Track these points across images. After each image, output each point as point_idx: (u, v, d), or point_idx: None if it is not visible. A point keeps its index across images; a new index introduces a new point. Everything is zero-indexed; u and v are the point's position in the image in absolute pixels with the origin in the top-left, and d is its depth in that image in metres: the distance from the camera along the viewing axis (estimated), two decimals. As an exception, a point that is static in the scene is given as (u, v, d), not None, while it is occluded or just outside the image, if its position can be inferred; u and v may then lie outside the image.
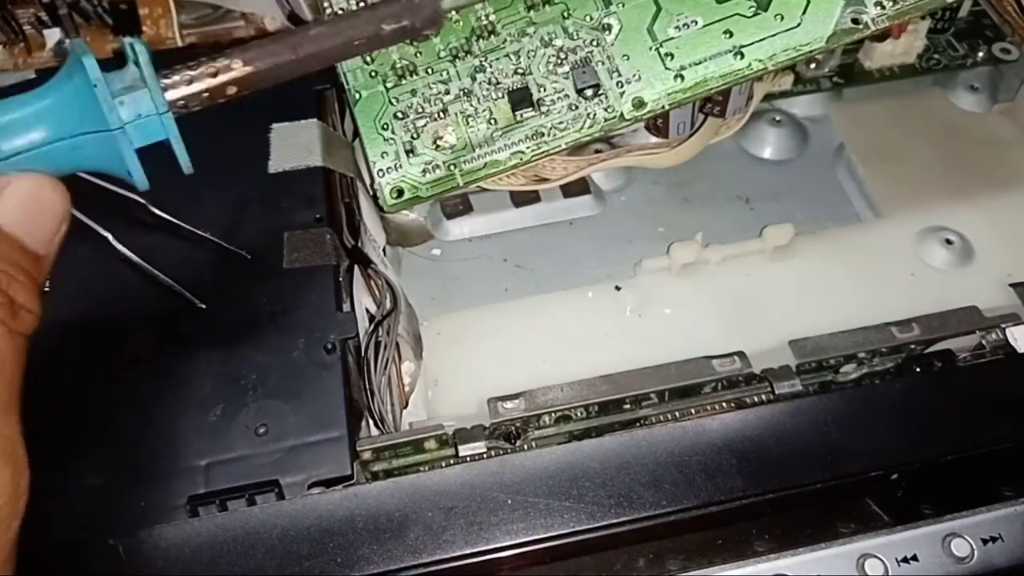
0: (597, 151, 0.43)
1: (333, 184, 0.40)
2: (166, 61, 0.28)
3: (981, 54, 0.48)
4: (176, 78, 0.27)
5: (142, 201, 0.36)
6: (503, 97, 0.37)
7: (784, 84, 0.47)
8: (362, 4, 0.37)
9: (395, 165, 0.37)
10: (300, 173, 0.39)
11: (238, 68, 0.28)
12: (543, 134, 0.37)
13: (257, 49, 0.28)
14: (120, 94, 0.26)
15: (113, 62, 0.27)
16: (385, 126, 0.38)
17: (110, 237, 0.35)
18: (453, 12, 0.38)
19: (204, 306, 0.35)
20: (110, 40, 0.48)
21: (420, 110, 0.37)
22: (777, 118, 0.46)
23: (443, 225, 0.42)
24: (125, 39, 0.27)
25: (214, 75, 0.28)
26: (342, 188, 0.40)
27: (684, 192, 0.44)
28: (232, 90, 0.28)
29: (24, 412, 0.32)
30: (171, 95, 0.27)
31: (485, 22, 0.38)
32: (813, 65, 0.47)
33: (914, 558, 0.29)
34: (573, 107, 0.37)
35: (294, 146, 0.39)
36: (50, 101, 0.26)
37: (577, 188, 0.43)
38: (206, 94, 0.28)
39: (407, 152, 0.37)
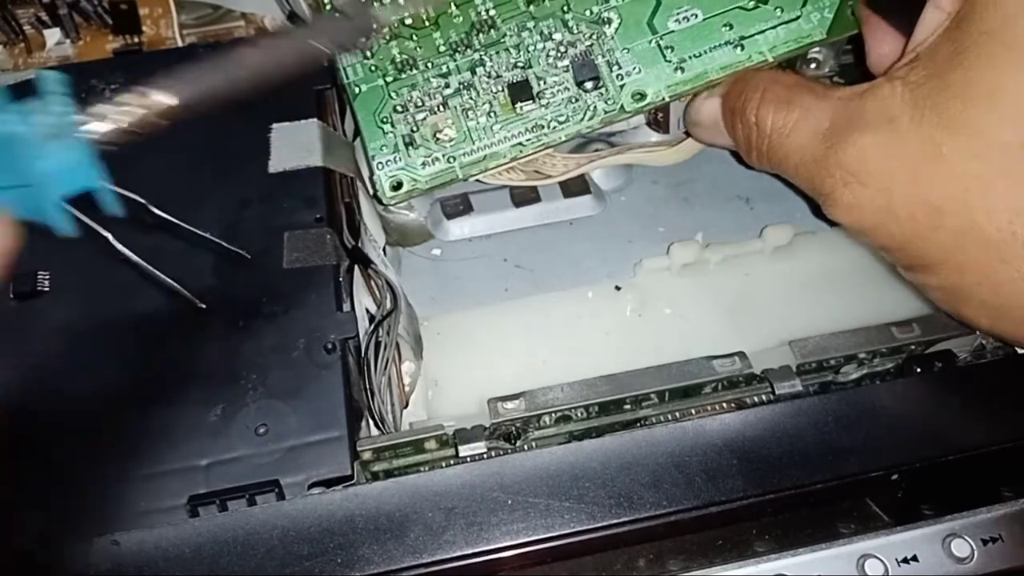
0: (597, 149, 0.43)
1: (333, 184, 0.40)
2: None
3: (981, 54, 0.48)
4: (97, 111, 0.25)
5: (142, 201, 0.36)
6: (503, 90, 0.37)
7: (784, 84, 0.47)
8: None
9: (394, 158, 0.37)
10: (300, 173, 0.39)
11: (165, 99, 0.26)
12: (543, 127, 0.37)
13: (182, 78, 0.26)
14: (41, 143, 0.24)
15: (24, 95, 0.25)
16: (384, 120, 0.38)
17: (110, 237, 0.35)
18: (454, 6, 0.38)
19: (204, 306, 0.35)
20: (110, 40, 0.48)
21: (420, 103, 0.38)
22: (777, 118, 0.46)
23: (443, 225, 0.42)
24: (35, 73, 0.25)
25: (139, 108, 0.26)
26: (342, 188, 0.40)
27: (684, 192, 0.44)
28: (161, 122, 0.26)
29: (25, 412, 0.33)
30: (96, 134, 0.25)
31: (485, 17, 0.38)
32: (813, 65, 0.47)
33: (914, 558, 0.29)
34: (573, 100, 0.37)
35: (294, 146, 0.39)
36: None
37: (577, 188, 0.43)
38: (132, 129, 0.26)
39: (407, 145, 0.37)
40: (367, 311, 0.37)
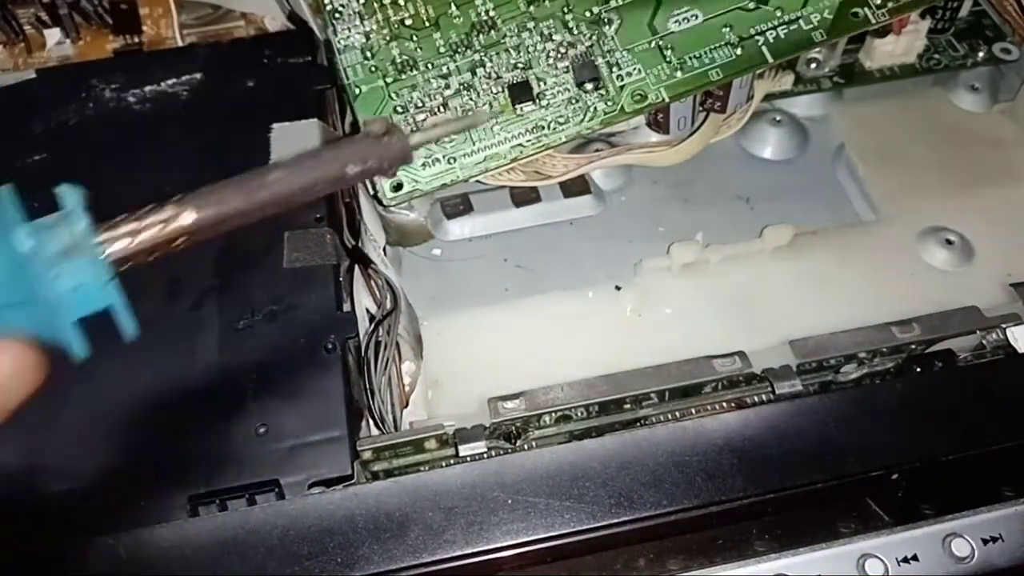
0: (597, 149, 0.43)
1: (333, 184, 0.39)
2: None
3: (981, 54, 0.48)
4: (120, 231, 0.23)
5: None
6: (503, 91, 0.37)
7: (784, 84, 0.47)
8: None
9: None
10: (300, 173, 0.39)
11: (189, 218, 0.24)
12: (543, 127, 0.37)
13: (208, 196, 0.25)
14: (56, 262, 0.23)
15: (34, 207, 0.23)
16: None
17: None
18: (454, 6, 0.38)
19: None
20: (110, 40, 0.48)
21: (420, 104, 0.38)
22: (777, 118, 0.46)
23: (443, 225, 0.42)
24: (61, 189, 0.23)
25: (163, 226, 0.24)
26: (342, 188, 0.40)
27: (684, 192, 0.44)
28: (181, 241, 0.25)
29: (25, 412, 0.32)
30: (114, 253, 0.23)
31: (485, 17, 0.38)
32: (813, 65, 0.47)
33: (914, 558, 0.29)
34: (573, 100, 0.37)
35: (294, 146, 0.39)
36: None
37: (577, 188, 0.43)
38: (152, 249, 0.24)
39: None
40: (367, 311, 0.37)
